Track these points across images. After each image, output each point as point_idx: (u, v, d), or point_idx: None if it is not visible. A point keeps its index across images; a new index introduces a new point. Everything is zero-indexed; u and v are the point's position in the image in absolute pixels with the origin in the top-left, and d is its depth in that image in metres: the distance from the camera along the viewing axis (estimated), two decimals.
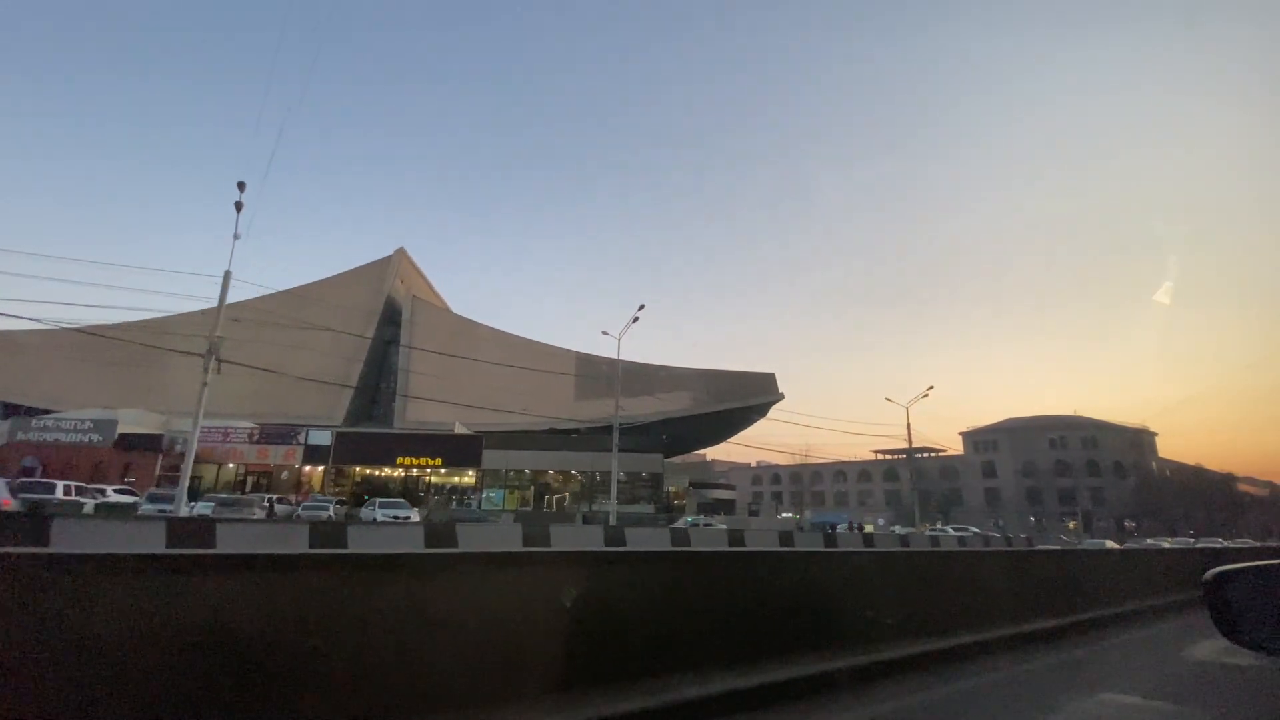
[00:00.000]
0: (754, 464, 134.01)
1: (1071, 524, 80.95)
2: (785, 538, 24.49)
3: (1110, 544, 41.23)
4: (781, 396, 59.68)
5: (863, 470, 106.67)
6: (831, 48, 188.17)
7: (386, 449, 37.02)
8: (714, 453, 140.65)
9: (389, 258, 58.57)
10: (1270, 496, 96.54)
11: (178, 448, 32.83)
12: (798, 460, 70.87)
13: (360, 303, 54.96)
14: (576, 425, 44.93)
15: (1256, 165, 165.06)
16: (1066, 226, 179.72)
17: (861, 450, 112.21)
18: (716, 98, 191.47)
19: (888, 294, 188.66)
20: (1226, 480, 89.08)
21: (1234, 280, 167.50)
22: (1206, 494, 78.16)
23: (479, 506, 34.88)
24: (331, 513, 26.48)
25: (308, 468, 36.83)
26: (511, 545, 15.31)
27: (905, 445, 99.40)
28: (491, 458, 37.00)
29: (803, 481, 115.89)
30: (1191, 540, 48.38)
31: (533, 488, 37.29)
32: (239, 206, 21.22)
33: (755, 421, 65.04)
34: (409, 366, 52.94)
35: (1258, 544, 36.61)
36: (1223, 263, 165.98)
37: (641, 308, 30.49)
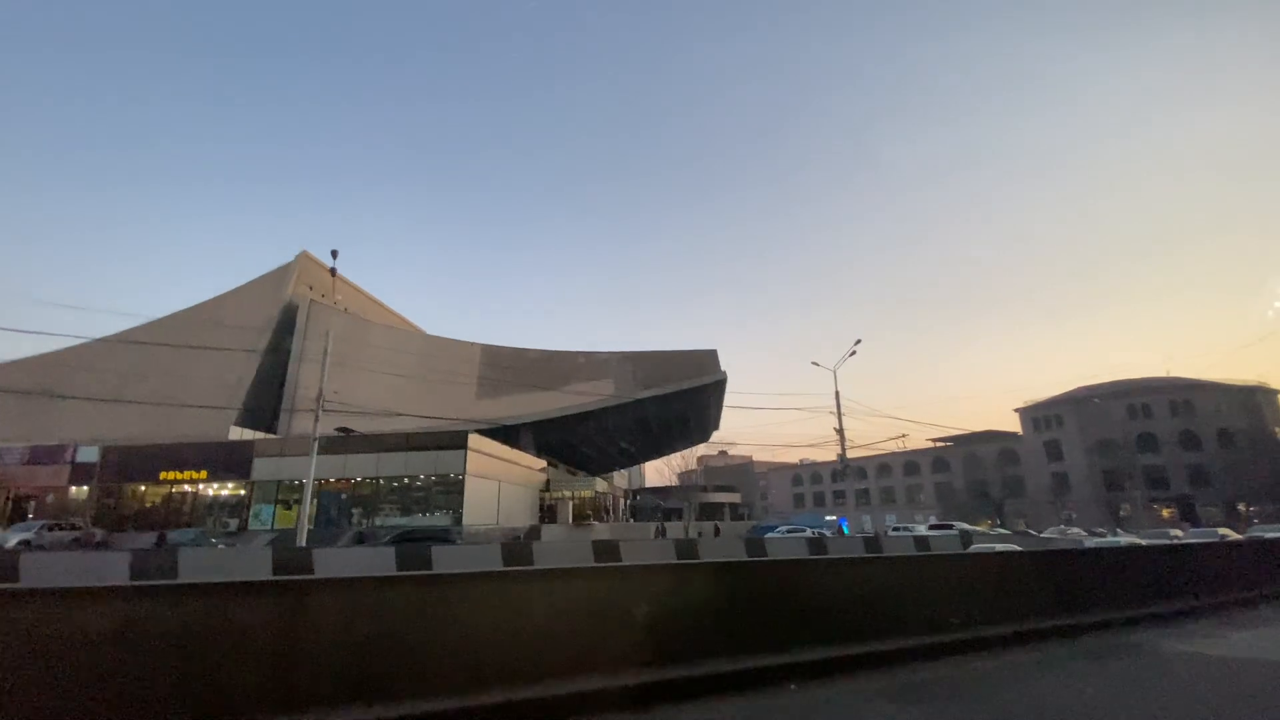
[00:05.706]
0: (798, 462, 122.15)
1: (1166, 511, 63.15)
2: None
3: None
4: (724, 376, 49.71)
5: (909, 462, 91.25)
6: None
7: (153, 463, 32.31)
8: (760, 454, 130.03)
9: (289, 264, 55.21)
10: None
11: None
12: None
13: (256, 316, 51.86)
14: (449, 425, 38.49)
15: None
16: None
17: (920, 440, 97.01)
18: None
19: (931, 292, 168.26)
20: None
21: None
22: None
23: (238, 527, 29.01)
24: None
25: (78, 488, 32.90)
26: None
27: (965, 432, 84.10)
28: (266, 467, 31.19)
29: (842, 479, 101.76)
30: None
31: (315, 501, 30.96)
32: None
33: (708, 408, 55.20)
34: (299, 376, 49.00)
35: None
36: None
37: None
